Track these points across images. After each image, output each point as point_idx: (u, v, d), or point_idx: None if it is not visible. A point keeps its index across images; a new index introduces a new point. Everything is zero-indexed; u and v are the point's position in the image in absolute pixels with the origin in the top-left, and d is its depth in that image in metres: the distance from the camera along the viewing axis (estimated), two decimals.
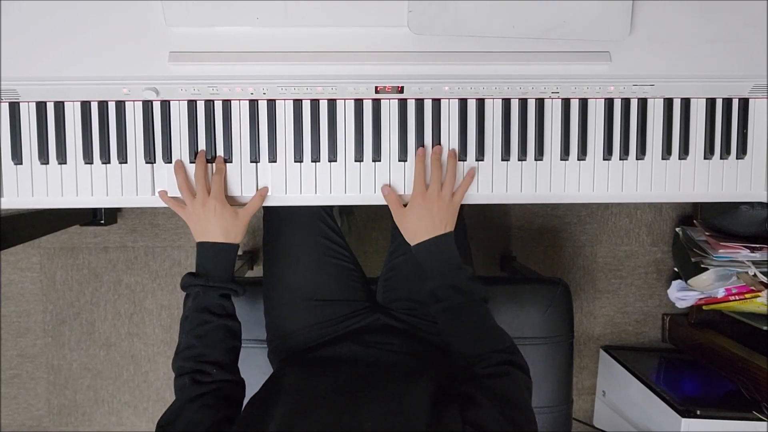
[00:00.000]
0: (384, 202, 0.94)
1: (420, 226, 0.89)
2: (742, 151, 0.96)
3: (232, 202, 0.92)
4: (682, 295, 1.72)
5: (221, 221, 0.89)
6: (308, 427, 0.71)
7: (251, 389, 0.87)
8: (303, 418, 0.72)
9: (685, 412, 1.40)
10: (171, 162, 0.92)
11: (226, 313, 0.89)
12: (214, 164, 0.92)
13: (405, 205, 0.92)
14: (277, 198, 0.94)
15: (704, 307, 1.71)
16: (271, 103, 0.91)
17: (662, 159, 0.95)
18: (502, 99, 0.93)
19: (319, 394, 0.78)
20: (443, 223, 0.89)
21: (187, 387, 0.83)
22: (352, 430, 0.70)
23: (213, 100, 0.91)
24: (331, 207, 1.12)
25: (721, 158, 0.96)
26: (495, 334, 0.87)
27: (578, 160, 0.95)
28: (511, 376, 0.80)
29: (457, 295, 0.87)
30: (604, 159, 0.95)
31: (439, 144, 0.93)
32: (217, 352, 0.86)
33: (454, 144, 0.93)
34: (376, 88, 0.90)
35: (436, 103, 0.93)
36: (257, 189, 0.93)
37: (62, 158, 0.91)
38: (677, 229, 1.69)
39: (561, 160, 0.95)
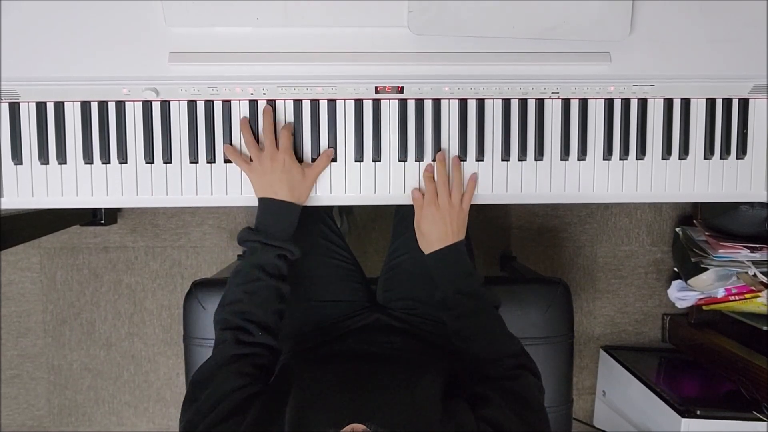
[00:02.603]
0: (383, 202, 0.94)
1: (433, 233, 0.90)
2: (742, 151, 0.96)
3: None
4: (682, 295, 1.72)
5: (288, 177, 0.87)
6: (320, 416, 0.70)
7: None
8: (314, 409, 0.72)
9: (685, 412, 1.40)
10: (171, 162, 0.92)
11: (279, 274, 0.87)
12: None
13: None
14: None
15: (704, 307, 1.71)
16: (271, 103, 0.91)
17: (662, 159, 0.95)
18: (502, 99, 0.93)
19: (328, 386, 0.78)
20: (455, 230, 0.90)
21: (228, 344, 0.82)
22: (364, 418, 0.70)
23: (213, 101, 0.91)
24: (331, 207, 1.12)
25: (721, 158, 0.96)
26: (507, 339, 0.88)
27: (578, 160, 0.95)
28: (524, 378, 0.82)
29: (468, 301, 0.89)
30: (604, 159, 0.95)
31: (440, 150, 0.93)
32: (263, 312, 0.85)
33: (454, 144, 0.93)
34: (376, 88, 0.90)
35: (436, 103, 0.93)
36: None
37: (62, 158, 0.91)
38: (677, 229, 1.69)
39: (561, 160, 0.95)
